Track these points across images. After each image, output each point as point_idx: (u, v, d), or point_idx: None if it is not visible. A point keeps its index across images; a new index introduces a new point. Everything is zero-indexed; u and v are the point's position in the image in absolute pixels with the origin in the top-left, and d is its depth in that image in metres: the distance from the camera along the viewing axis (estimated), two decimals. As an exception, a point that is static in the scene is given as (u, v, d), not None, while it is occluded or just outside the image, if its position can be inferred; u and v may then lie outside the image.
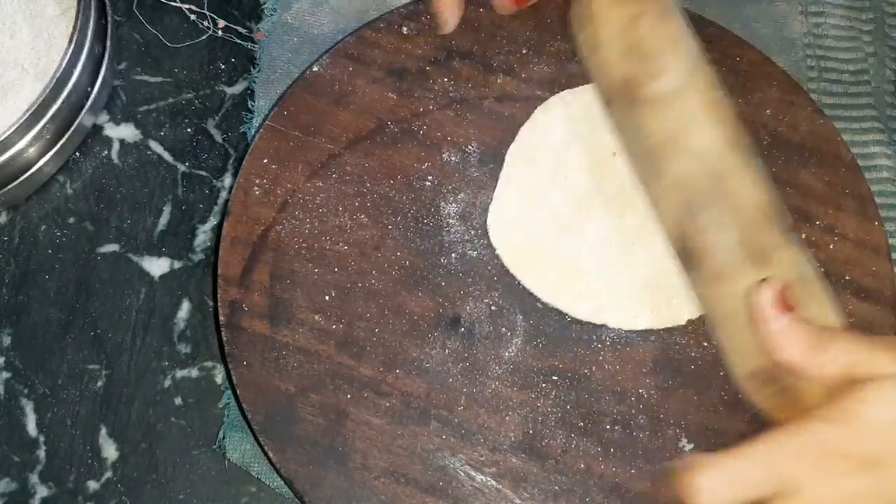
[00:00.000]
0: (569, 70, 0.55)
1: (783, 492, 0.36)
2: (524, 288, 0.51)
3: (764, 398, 0.40)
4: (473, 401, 0.49)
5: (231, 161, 0.56)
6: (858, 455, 0.36)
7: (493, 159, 0.53)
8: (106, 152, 0.56)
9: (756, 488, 0.36)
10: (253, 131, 0.55)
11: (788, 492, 0.36)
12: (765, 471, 0.36)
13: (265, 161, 0.52)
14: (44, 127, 0.51)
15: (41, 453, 0.50)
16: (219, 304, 0.49)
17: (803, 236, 0.52)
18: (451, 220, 0.52)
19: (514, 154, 0.53)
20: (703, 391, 0.49)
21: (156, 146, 0.56)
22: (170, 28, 0.58)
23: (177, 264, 0.54)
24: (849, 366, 0.37)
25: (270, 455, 0.47)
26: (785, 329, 0.38)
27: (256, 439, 0.48)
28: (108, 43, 0.55)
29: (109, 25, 0.55)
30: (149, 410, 0.51)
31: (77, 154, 0.56)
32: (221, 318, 0.49)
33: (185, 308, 0.53)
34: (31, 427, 0.51)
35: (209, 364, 0.52)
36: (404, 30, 0.55)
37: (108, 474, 0.50)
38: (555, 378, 0.49)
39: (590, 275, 0.51)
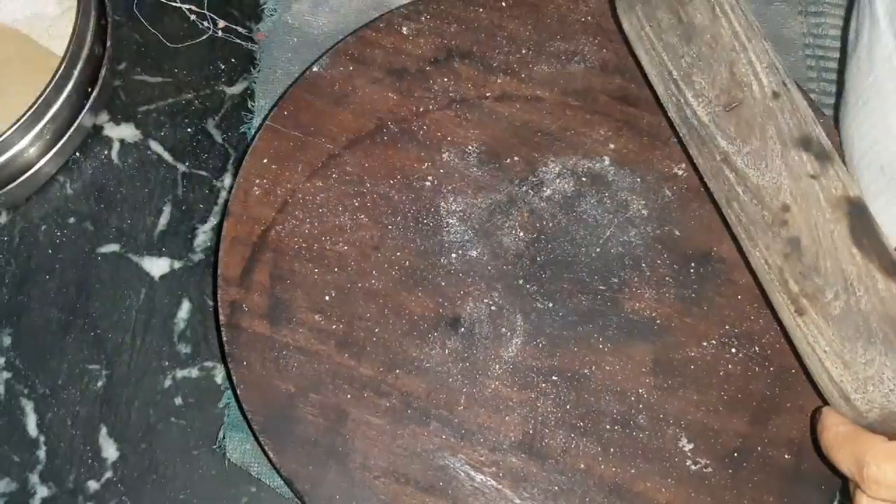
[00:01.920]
0: (569, 70, 0.55)
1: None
2: (524, 288, 0.51)
3: None
4: (473, 401, 0.49)
5: (231, 161, 0.56)
6: None
7: (493, 159, 0.53)
8: (106, 152, 0.56)
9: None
10: (253, 131, 0.55)
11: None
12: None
13: (265, 161, 0.52)
14: (44, 127, 0.51)
15: (41, 453, 0.50)
16: (219, 304, 0.49)
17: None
18: (451, 220, 0.52)
19: None
20: (703, 391, 0.49)
21: (156, 146, 0.56)
22: (170, 28, 0.58)
23: (177, 264, 0.54)
24: None
25: (270, 455, 0.47)
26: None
27: (256, 439, 0.48)
28: (108, 43, 0.55)
29: (109, 25, 0.55)
30: (149, 410, 0.51)
31: (77, 154, 0.56)
32: (221, 318, 0.49)
33: (185, 308, 0.53)
34: (31, 427, 0.51)
35: (209, 364, 0.52)
36: (404, 30, 0.55)
37: (108, 474, 0.50)
38: (555, 378, 0.49)
39: None
